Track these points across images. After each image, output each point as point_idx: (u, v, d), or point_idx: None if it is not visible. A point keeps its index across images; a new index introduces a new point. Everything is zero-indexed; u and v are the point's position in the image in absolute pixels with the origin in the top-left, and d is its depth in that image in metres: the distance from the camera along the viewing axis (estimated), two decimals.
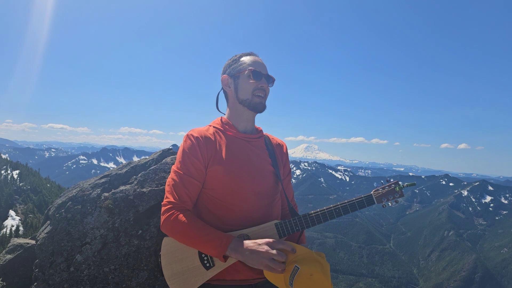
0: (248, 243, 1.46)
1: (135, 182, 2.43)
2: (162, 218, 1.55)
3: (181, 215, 1.51)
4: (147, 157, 2.71)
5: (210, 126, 1.75)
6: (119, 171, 2.52)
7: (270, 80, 1.75)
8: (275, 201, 1.73)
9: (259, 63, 1.74)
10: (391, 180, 1.74)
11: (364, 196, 1.70)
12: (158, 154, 2.67)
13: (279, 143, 1.91)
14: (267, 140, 1.84)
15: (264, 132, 1.88)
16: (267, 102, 1.77)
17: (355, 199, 1.69)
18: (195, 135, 1.64)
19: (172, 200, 1.55)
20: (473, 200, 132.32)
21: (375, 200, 1.68)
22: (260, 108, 1.72)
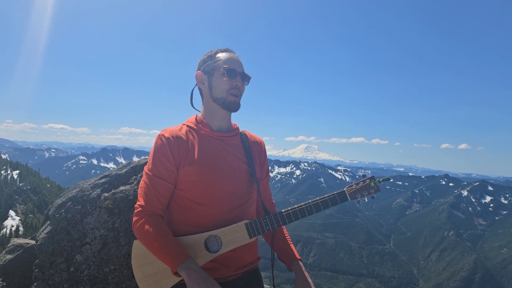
0: (197, 275, 1.40)
1: (135, 182, 2.43)
2: (133, 220, 1.54)
3: (147, 223, 1.49)
4: (147, 157, 2.71)
5: (184, 124, 1.69)
6: (119, 171, 2.53)
7: (246, 78, 1.68)
8: (249, 201, 1.68)
9: (235, 60, 1.66)
10: (366, 175, 1.69)
11: (336, 193, 1.65)
12: None
13: (256, 140, 1.82)
14: (243, 137, 1.75)
15: (242, 129, 1.80)
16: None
17: (327, 196, 1.64)
18: (166, 135, 1.59)
19: (142, 203, 1.53)
20: (473, 200, 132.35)
21: (348, 197, 1.64)
22: (234, 107, 1.65)
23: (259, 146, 1.82)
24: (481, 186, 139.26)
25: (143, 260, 1.60)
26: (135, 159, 2.93)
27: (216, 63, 1.64)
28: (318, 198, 1.64)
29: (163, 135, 1.59)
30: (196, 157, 1.57)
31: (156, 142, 1.60)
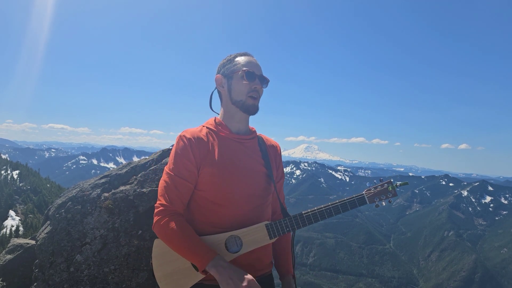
0: (227, 270, 1.42)
1: (135, 182, 2.43)
2: (154, 220, 1.56)
3: (171, 221, 1.50)
4: (147, 157, 2.71)
5: (203, 126, 1.73)
6: (119, 171, 2.53)
7: (264, 81, 1.72)
8: (267, 202, 1.72)
9: (254, 64, 1.71)
10: (384, 180, 1.72)
11: (355, 196, 1.68)
12: (158, 154, 2.67)
13: (273, 144, 1.86)
14: (260, 141, 1.80)
15: (258, 133, 1.84)
16: (261, 104, 1.74)
17: (347, 199, 1.67)
18: (188, 136, 1.63)
19: (164, 203, 1.55)
20: (473, 200, 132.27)
21: (367, 200, 1.67)
22: (253, 110, 1.69)
23: (275, 150, 1.86)
24: (481, 186, 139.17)
25: (163, 259, 1.61)
26: (135, 159, 2.93)
27: (235, 66, 1.68)
28: (337, 201, 1.67)
29: (184, 136, 1.63)
30: (216, 158, 1.60)
31: (177, 143, 1.63)
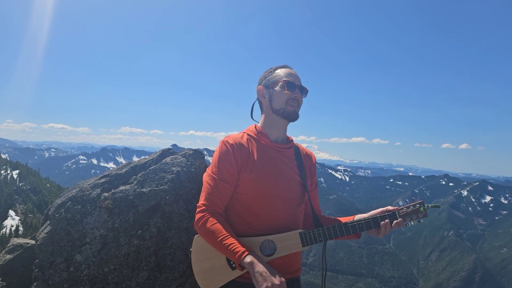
0: (261, 265, 1.52)
1: (135, 182, 2.43)
2: (195, 218, 1.69)
3: (211, 219, 1.64)
4: (147, 157, 2.71)
5: (244, 133, 1.85)
6: (119, 171, 2.53)
7: (304, 91, 1.85)
8: (299, 209, 1.82)
9: (293, 75, 1.84)
10: (416, 199, 1.79)
11: (387, 213, 1.76)
12: (158, 154, 2.67)
13: (308, 153, 1.98)
14: (296, 150, 1.91)
15: (295, 142, 1.97)
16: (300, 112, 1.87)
17: (378, 215, 1.76)
18: (231, 142, 1.75)
19: (206, 203, 1.68)
20: (473, 200, 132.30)
21: (398, 218, 1.75)
22: (293, 116, 1.81)
23: (310, 159, 1.98)
24: (481, 186, 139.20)
25: (202, 255, 1.72)
26: (135, 159, 2.94)
27: (276, 77, 1.83)
28: (370, 217, 1.76)
29: (227, 141, 1.76)
30: (255, 164, 1.73)
31: (220, 147, 1.76)
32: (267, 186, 1.71)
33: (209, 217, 1.64)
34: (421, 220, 1.77)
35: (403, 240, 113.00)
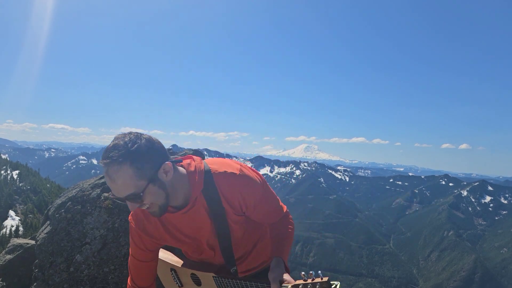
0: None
1: None
2: None
3: None
4: None
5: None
6: None
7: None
8: (249, 247, 1.69)
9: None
10: (322, 276, 1.28)
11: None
12: None
13: (233, 187, 1.49)
14: (208, 197, 1.49)
15: (215, 171, 1.50)
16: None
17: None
18: (133, 221, 1.60)
19: (129, 282, 1.69)
20: (473, 200, 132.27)
21: None
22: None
23: (237, 191, 1.50)
24: (481, 186, 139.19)
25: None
26: None
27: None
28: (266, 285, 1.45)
29: (131, 220, 1.61)
30: (163, 237, 1.59)
31: (130, 226, 1.63)
32: (192, 256, 1.75)
33: None
34: None
35: (403, 240, 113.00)
